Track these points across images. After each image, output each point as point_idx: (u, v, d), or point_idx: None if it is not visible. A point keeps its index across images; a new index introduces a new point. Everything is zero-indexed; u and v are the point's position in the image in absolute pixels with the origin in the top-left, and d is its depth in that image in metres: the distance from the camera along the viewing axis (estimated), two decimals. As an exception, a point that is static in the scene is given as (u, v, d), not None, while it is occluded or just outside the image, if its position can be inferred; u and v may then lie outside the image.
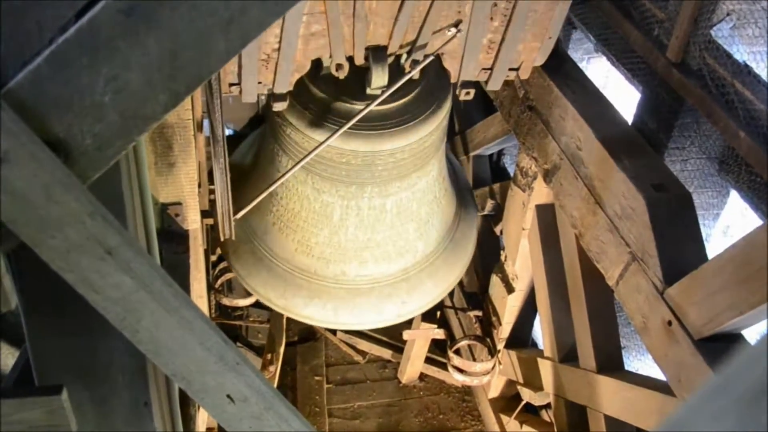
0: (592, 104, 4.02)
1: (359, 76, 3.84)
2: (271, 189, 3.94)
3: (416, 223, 4.51)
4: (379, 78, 3.74)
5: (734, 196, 3.98)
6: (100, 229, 1.30)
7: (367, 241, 4.44)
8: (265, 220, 4.50)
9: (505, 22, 3.71)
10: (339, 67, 3.71)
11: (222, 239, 4.47)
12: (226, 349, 1.50)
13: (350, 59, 3.71)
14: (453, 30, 3.65)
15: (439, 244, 4.71)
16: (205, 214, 4.22)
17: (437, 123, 4.17)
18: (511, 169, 6.08)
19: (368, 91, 3.86)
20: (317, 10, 3.38)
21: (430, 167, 4.40)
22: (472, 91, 4.06)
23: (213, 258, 5.37)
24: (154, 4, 1.40)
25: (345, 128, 3.69)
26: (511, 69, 4.02)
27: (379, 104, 3.79)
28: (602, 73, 5.19)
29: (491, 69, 3.99)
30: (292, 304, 4.56)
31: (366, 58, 3.71)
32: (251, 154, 4.89)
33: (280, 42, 3.44)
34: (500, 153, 6.48)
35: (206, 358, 1.50)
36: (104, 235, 1.31)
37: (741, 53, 3.34)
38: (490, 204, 5.98)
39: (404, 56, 3.77)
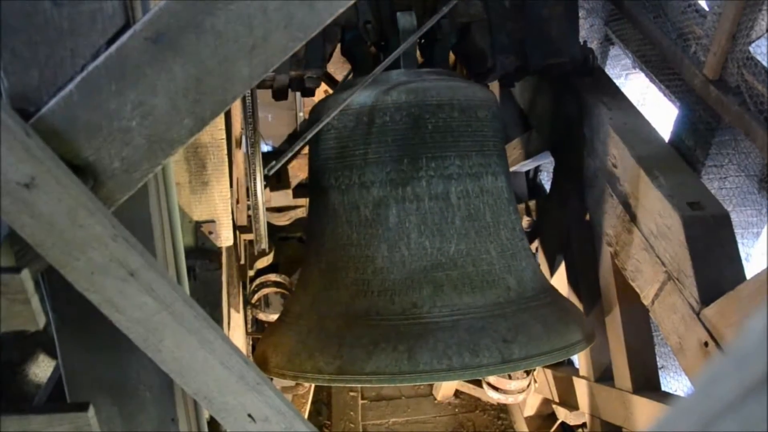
0: (628, 121, 3.98)
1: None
2: (298, 146, 3.35)
3: (497, 244, 3.61)
4: (406, 20, 3.69)
5: (776, 214, 3.89)
6: (123, 252, 1.34)
7: (437, 254, 3.50)
8: (309, 293, 3.77)
9: None
10: (367, 23, 3.71)
11: (256, 253, 4.50)
12: (246, 369, 1.52)
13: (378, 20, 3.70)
14: None
15: (537, 294, 3.66)
16: (243, 229, 4.27)
17: (484, 95, 3.87)
18: (547, 186, 6.04)
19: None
20: None
21: (490, 159, 3.72)
22: None
23: (251, 273, 5.42)
24: (180, 31, 1.44)
25: (383, 66, 3.35)
26: None
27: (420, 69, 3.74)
28: (640, 89, 5.13)
29: None
30: (350, 361, 3.30)
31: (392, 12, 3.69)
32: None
33: None
34: (537, 169, 6.44)
35: (227, 378, 1.53)
36: (127, 257, 1.35)
37: (780, 70, 3.29)
38: (526, 221, 5.94)
39: None
